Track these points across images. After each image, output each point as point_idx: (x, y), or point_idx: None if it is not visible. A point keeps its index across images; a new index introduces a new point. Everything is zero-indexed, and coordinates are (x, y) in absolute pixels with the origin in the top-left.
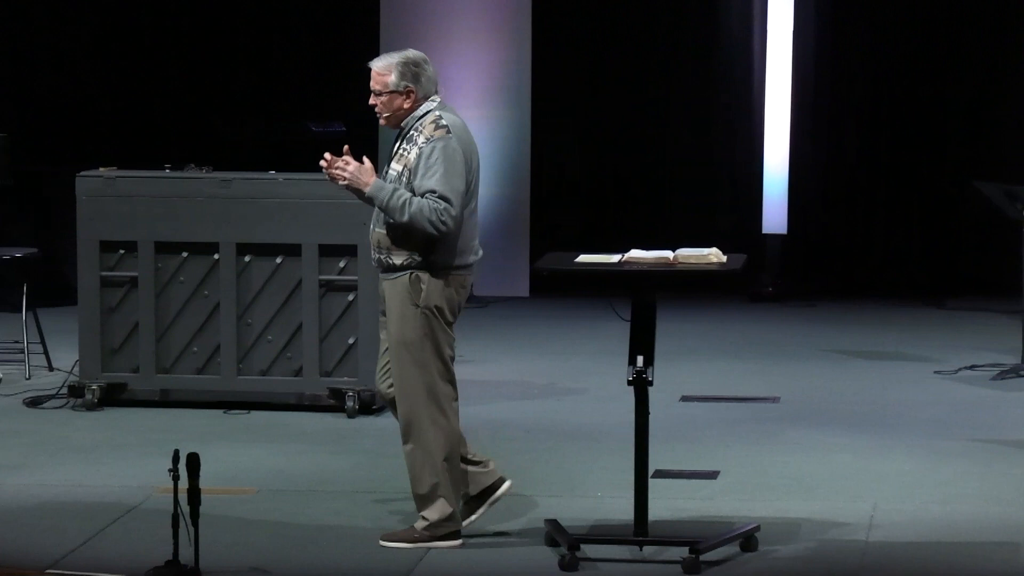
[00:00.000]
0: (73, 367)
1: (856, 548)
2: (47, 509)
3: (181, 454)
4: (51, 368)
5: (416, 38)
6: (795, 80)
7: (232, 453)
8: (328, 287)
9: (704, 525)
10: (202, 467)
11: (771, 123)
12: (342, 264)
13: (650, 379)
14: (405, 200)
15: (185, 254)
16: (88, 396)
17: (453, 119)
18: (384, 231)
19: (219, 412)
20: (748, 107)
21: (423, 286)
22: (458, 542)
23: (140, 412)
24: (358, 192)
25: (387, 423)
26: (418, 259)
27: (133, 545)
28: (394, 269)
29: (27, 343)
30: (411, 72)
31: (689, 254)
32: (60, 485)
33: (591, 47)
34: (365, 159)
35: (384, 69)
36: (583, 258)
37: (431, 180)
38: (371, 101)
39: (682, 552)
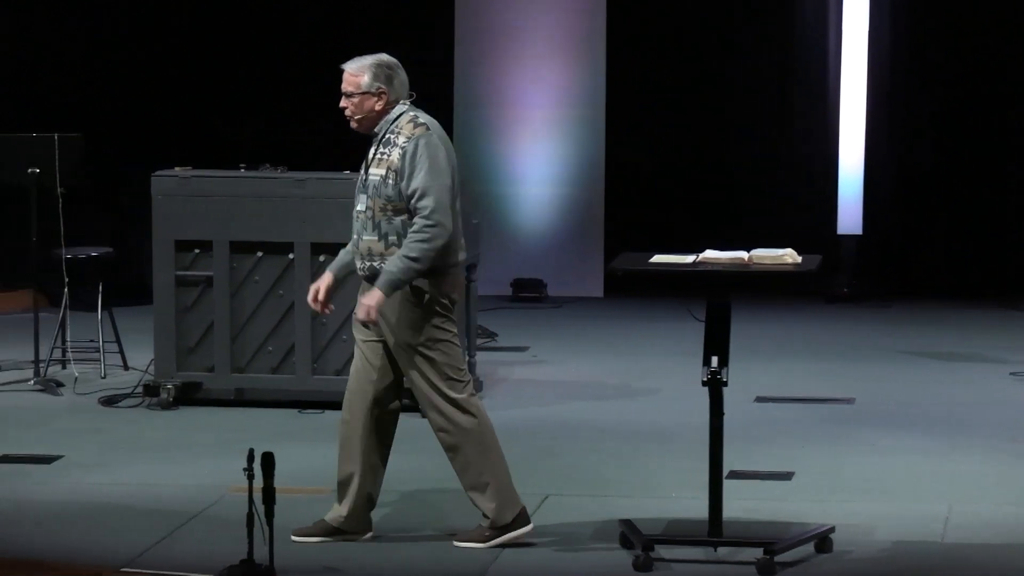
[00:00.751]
0: (148, 366)
1: (931, 550)
2: (122, 508)
3: (256, 453)
4: (126, 367)
5: (493, 39)
6: (870, 80)
7: (306, 453)
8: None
9: (778, 526)
10: (277, 466)
11: (846, 123)
12: None
13: (725, 380)
14: (403, 255)
15: (260, 254)
16: (163, 395)
17: (429, 118)
18: (374, 238)
19: (294, 411)
20: (823, 107)
21: (423, 287)
22: (529, 527)
23: (215, 411)
24: (381, 301)
25: None
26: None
27: (207, 544)
28: None
29: (103, 342)
30: (384, 74)
31: (764, 255)
32: (135, 484)
33: (666, 47)
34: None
35: (357, 70)
36: (658, 258)
37: (418, 177)
38: (342, 103)
39: (756, 553)
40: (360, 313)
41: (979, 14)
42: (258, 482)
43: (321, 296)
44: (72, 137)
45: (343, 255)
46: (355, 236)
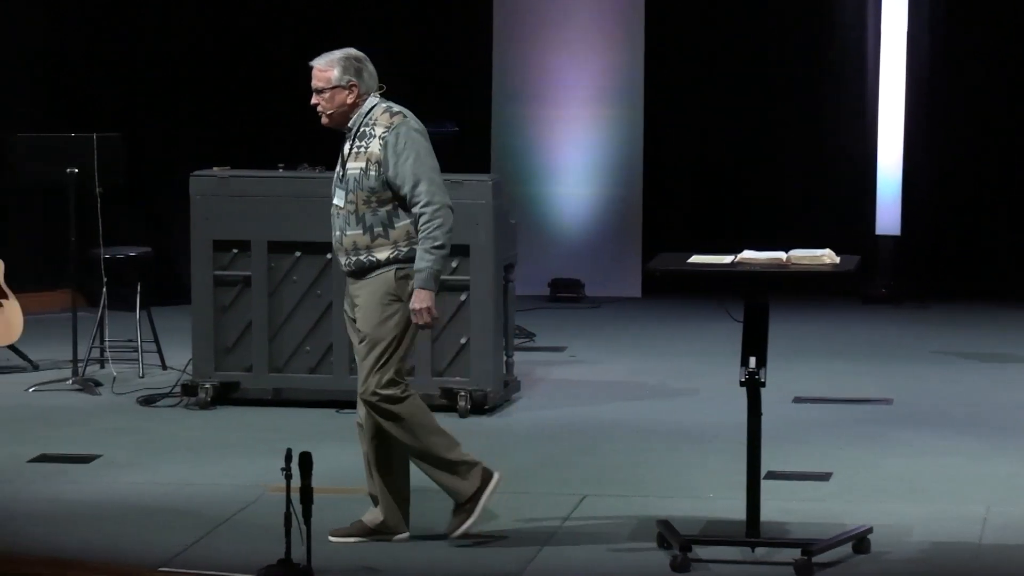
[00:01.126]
0: (186, 366)
1: (969, 551)
2: (160, 508)
3: (293, 453)
4: (164, 367)
5: (529, 38)
6: (909, 80)
7: (344, 452)
8: (440, 287)
9: (816, 527)
10: (314, 466)
11: (884, 124)
12: (454, 264)
13: (763, 380)
14: (428, 248)
15: (298, 253)
16: (201, 395)
17: (404, 107)
18: (360, 231)
19: (331, 411)
20: (861, 108)
21: (406, 282)
22: (497, 475)
23: (253, 411)
24: (432, 298)
25: (499, 423)
26: (403, 250)
27: (245, 544)
28: (378, 266)
29: (141, 342)
30: (353, 67)
31: (802, 255)
32: (172, 483)
33: (703, 47)
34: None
35: (326, 65)
36: (696, 259)
37: (407, 165)
38: (313, 100)
39: (794, 554)
40: (418, 320)
41: (1018, 14)
42: (296, 482)
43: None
44: (111, 137)
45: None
46: (336, 233)
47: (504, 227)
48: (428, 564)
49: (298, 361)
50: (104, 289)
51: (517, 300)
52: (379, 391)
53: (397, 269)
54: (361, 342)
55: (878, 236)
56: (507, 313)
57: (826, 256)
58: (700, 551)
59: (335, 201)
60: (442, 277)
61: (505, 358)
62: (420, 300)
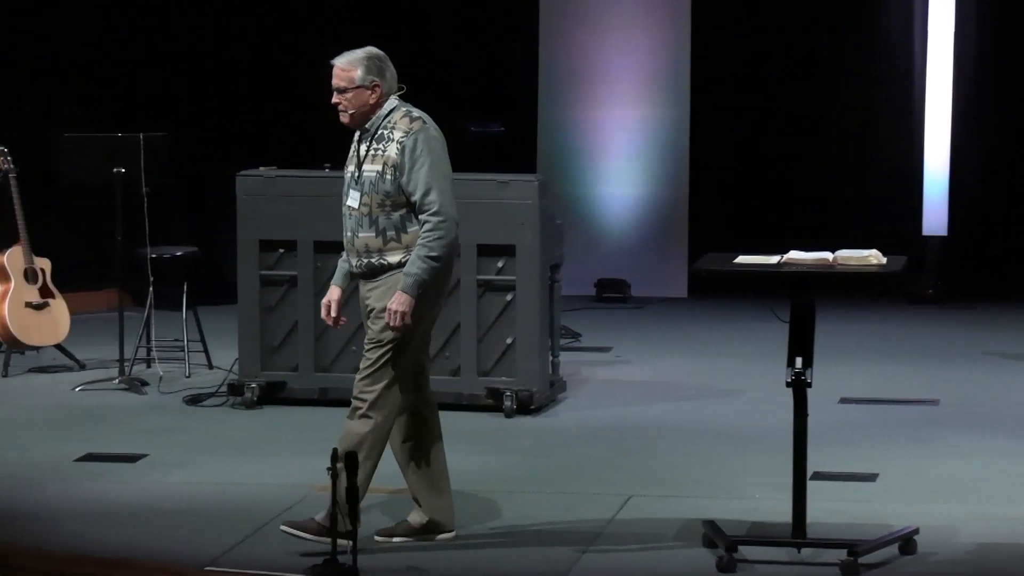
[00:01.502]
0: (232, 365)
1: (1016, 552)
2: (206, 507)
3: (339, 453)
4: (211, 366)
5: (574, 38)
6: (956, 81)
7: (389, 452)
8: (486, 287)
9: (862, 527)
10: (360, 466)
11: (932, 124)
12: (500, 264)
13: (809, 381)
14: (423, 256)
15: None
16: (247, 394)
17: (422, 112)
18: (372, 234)
19: None
20: (908, 108)
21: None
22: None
23: (299, 411)
24: (411, 305)
25: (544, 423)
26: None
27: (291, 543)
28: (389, 269)
29: (187, 341)
30: (376, 67)
31: (849, 256)
32: (219, 483)
33: (750, 47)
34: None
35: (349, 64)
36: (742, 259)
37: (421, 172)
38: (335, 99)
39: (840, 554)
40: (391, 321)
41: None
42: (342, 481)
43: (333, 312)
44: (157, 137)
45: (342, 264)
46: (348, 234)
47: (550, 227)
48: (473, 564)
49: (344, 361)
50: (151, 289)
51: (563, 300)
52: (365, 391)
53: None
54: (367, 340)
55: (925, 236)
56: (553, 313)
57: (873, 256)
58: (746, 551)
59: (348, 202)
60: (487, 277)
61: (551, 358)
62: (399, 303)
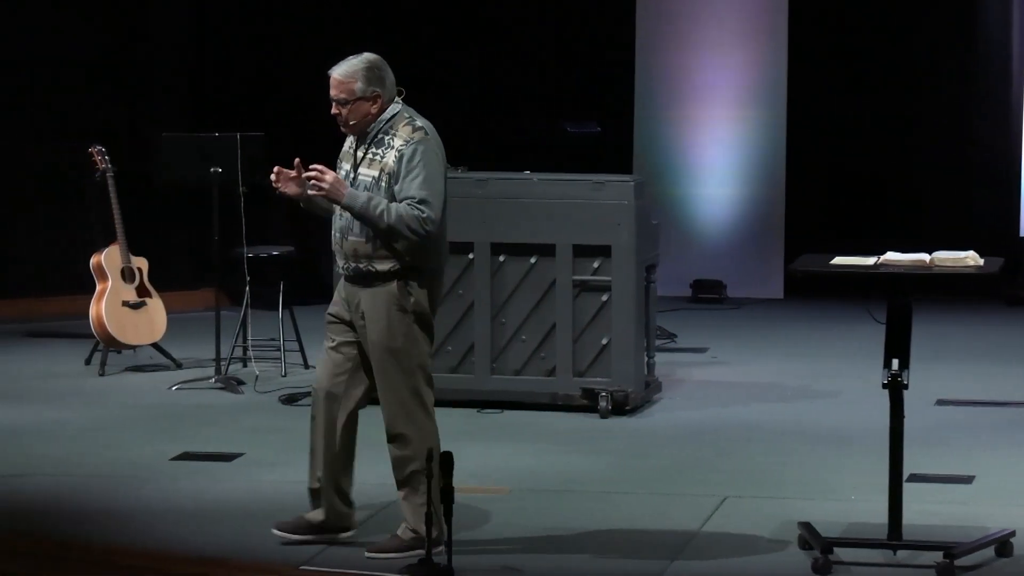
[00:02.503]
0: None
1: None
2: (301, 506)
3: (435, 453)
4: (307, 366)
5: (671, 39)
6: None
7: (485, 452)
8: (582, 287)
9: (958, 530)
10: (455, 466)
11: None
12: (596, 264)
13: (905, 382)
14: (383, 208)
15: None
16: None
17: (425, 121)
18: (362, 239)
19: (473, 411)
20: (1006, 108)
21: (411, 291)
22: (440, 548)
23: None
24: (335, 201)
25: (640, 424)
26: (406, 263)
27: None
28: (377, 277)
29: (283, 341)
30: (376, 76)
31: (946, 257)
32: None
33: (847, 47)
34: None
35: (348, 76)
36: (838, 260)
37: (415, 183)
38: (334, 111)
39: (936, 557)
40: (315, 178)
41: None
42: (437, 481)
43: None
44: (254, 136)
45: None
46: (337, 234)
47: (646, 228)
48: (566, 565)
49: (440, 361)
50: (247, 288)
51: (659, 301)
52: (407, 404)
53: (398, 281)
54: (371, 351)
55: (1023, 238)
56: (648, 314)
57: (970, 258)
58: (841, 553)
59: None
60: (583, 278)
61: (646, 359)
62: (336, 189)
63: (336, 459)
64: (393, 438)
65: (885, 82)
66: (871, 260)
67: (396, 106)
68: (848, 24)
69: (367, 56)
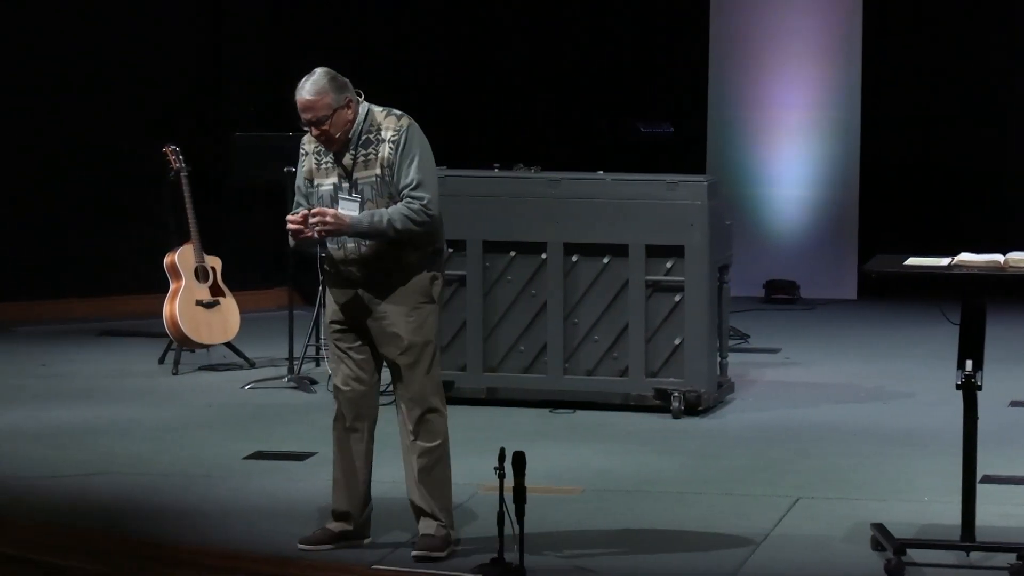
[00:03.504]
0: None
1: None
2: (375, 505)
3: (507, 452)
4: None
5: (745, 37)
6: None
7: (558, 452)
8: (655, 287)
9: None
10: (528, 466)
11: None
12: (669, 265)
13: (979, 384)
14: (387, 218)
15: (513, 253)
16: None
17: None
18: (380, 243)
19: (545, 411)
20: None
21: (435, 281)
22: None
23: (466, 410)
24: (342, 232)
25: (712, 424)
26: (428, 249)
27: (457, 538)
28: (407, 270)
29: None
30: (341, 83)
31: (1020, 258)
32: (387, 482)
33: (923, 46)
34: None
35: (320, 93)
36: (912, 261)
37: (412, 167)
38: (315, 133)
39: (1009, 559)
40: (323, 222)
41: None
42: (509, 481)
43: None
44: None
45: None
46: (351, 244)
47: (719, 228)
48: (639, 565)
49: (512, 360)
50: (320, 287)
51: (732, 301)
52: (432, 397)
53: (426, 272)
54: (401, 350)
55: None
56: (722, 314)
57: None
58: (914, 554)
59: (347, 213)
60: (656, 278)
61: (719, 359)
62: (338, 221)
63: (366, 467)
64: (421, 423)
65: (960, 83)
66: (945, 261)
67: (363, 104)
68: (923, 24)
69: (322, 70)
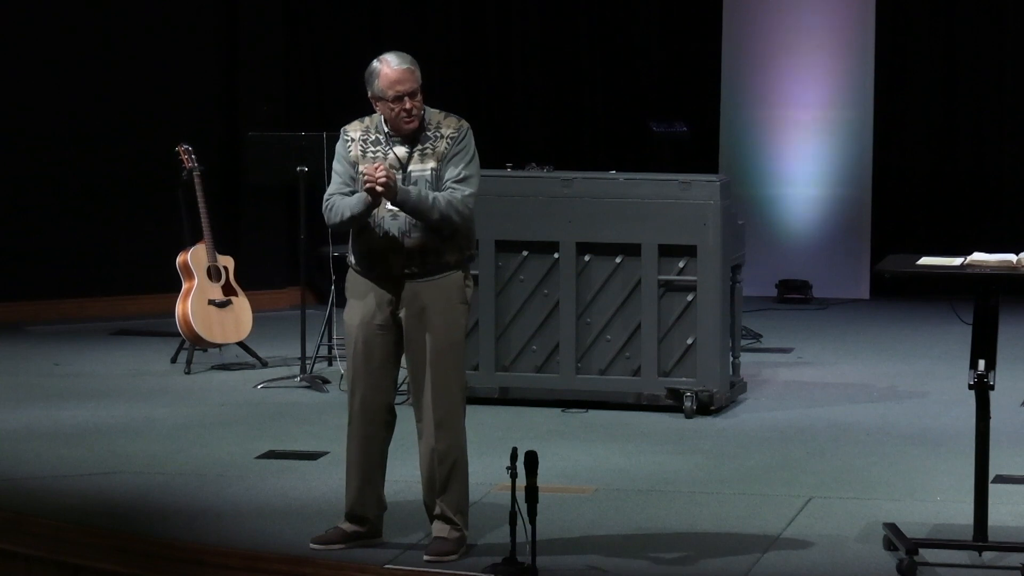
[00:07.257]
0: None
1: None
2: (389, 504)
3: (519, 452)
4: None
5: (759, 38)
6: None
7: (570, 452)
8: (667, 287)
9: None
10: (540, 465)
11: None
12: (681, 264)
13: (992, 383)
14: (433, 197)
15: (525, 253)
16: None
17: None
18: (427, 235)
19: (557, 411)
20: None
21: (468, 283)
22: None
23: (479, 410)
24: (390, 197)
25: (725, 424)
26: (467, 252)
27: (470, 541)
28: (445, 268)
29: None
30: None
31: None
32: (401, 481)
33: (934, 47)
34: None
35: (413, 64)
36: (925, 260)
37: (462, 162)
38: (407, 105)
39: (1022, 558)
40: (376, 172)
41: None
42: (521, 480)
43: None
44: None
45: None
46: (395, 234)
47: (732, 228)
48: (652, 565)
49: (525, 360)
50: (332, 287)
51: (744, 301)
52: (453, 399)
53: (461, 272)
54: (429, 349)
55: None
56: (734, 314)
57: None
58: (927, 554)
59: (390, 206)
60: (669, 278)
61: (732, 359)
62: (393, 180)
63: (380, 469)
64: (442, 425)
65: (972, 82)
66: (958, 261)
67: None
68: (936, 23)
69: (396, 53)
